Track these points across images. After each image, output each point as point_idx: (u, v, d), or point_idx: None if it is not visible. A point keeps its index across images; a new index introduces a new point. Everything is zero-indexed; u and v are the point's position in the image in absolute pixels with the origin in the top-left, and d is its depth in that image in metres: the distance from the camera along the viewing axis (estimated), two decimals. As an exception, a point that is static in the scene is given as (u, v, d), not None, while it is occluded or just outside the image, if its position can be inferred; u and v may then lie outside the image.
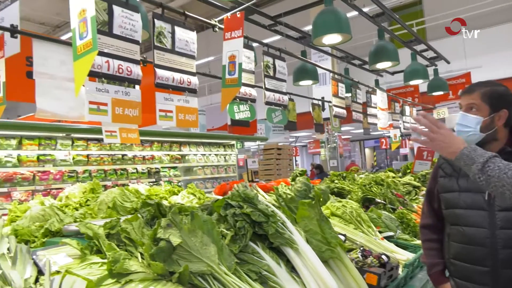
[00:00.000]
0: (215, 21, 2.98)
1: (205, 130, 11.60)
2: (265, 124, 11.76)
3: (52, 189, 6.48)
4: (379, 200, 3.50)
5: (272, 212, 1.83)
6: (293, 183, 2.27)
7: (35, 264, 1.55)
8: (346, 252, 2.08)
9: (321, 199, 2.10)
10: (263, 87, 3.54)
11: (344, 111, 5.31)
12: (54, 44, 2.51)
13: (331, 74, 5.53)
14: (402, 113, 7.49)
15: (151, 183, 7.86)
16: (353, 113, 5.66)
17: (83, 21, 1.76)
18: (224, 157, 9.79)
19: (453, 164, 1.81)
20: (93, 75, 2.10)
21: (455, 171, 1.91)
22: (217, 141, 9.73)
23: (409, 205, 3.66)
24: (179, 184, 8.48)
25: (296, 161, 22.26)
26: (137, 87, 2.45)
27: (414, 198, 4.13)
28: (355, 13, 4.75)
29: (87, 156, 7.05)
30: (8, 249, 1.57)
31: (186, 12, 2.78)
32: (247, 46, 3.22)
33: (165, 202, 2.99)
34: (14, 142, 6.18)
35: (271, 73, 3.64)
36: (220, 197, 2.66)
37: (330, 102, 5.61)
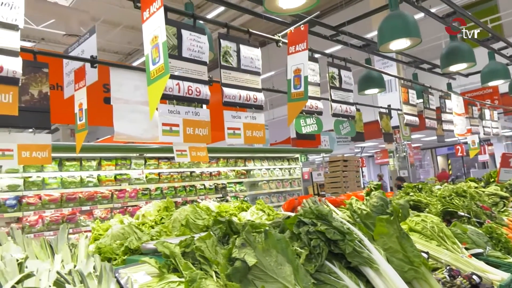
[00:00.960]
0: (279, 36, 2.99)
1: (268, 144, 11.64)
2: (329, 136, 11.54)
3: (128, 206, 6.87)
4: (462, 213, 3.21)
5: (348, 229, 1.74)
6: (367, 197, 2.15)
7: (118, 282, 1.60)
8: (431, 272, 1.91)
9: (400, 215, 1.96)
10: (329, 98, 3.45)
11: (417, 119, 5.00)
12: (128, 71, 2.67)
13: (400, 80, 5.28)
14: (481, 117, 6.90)
15: (218, 199, 8.02)
16: (426, 120, 5.30)
17: (155, 47, 1.84)
18: (289, 171, 9.73)
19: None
20: (165, 97, 2.19)
21: None
22: (281, 155, 9.72)
23: (498, 218, 3.31)
24: (246, 199, 8.57)
25: (362, 172, 21.53)
26: (205, 106, 2.51)
27: (502, 210, 3.73)
28: (420, 15, 4.51)
29: (159, 174, 7.40)
30: (94, 267, 1.65)
31: (250, 30, 2.81)
32: (311, 58, 3.18)
33: (234, 219, 3.00)
34: (94, 163, 6.68)
35: (337, 84, 3.55)
36: (290, 214, 2.61)
37: (399, 110, 5.34)
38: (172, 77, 2.22)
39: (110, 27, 13.95)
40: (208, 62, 2.45)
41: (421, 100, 5.44)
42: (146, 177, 7.22)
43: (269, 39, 3.04)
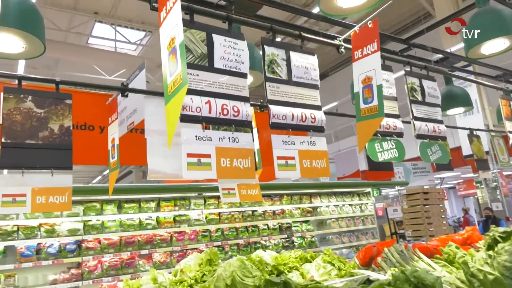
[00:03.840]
0: (340, 41, 2.42)
1: (335, 179, 10.96)
2: (403, 167, 10.45)
3: (188, 249, 6.48)
4: None
5: (473, 312, 1.07)
6: (491, 252, 1.44)
7: None
8: None
9: (553, 282, 1.23)
10: (411, 116, 2.74)
11: (525, 138, 4.04)
12: (160, 98, 2.28)
13: (499, 92, 4.37)
14: None
15: (284, 240, 7.39)
16: (535, 140, 4.29)
17: (173, 53, 1.40)
18: (360, 207, 8.84)
19: None
20: (191, 119, 1.70)
21: None
22: (350, 190, 8.92)
23: None
24: (313, 239, 7.82)
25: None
26: (248, 130, 1.99)
27: None
28: None
29: (219, 214, 6.99)
30: None
31: (303, 34, 2.28)
32: (383, 66, 2.55)
33: (295, 274, 2.37)
34: (153, 204, 6.46)
35: (419, 97, 2.82)
36: (369, 273, 1.94)
37: (494, 131, 4.41)
38: (200, 93, 1.73)
39: (173, 71, 14.49)
40: (248, 74, 1.94)
41: (524, 117, 4.46)
42: (206, 217, 6.84)
43: (327, 44, 2.48)
